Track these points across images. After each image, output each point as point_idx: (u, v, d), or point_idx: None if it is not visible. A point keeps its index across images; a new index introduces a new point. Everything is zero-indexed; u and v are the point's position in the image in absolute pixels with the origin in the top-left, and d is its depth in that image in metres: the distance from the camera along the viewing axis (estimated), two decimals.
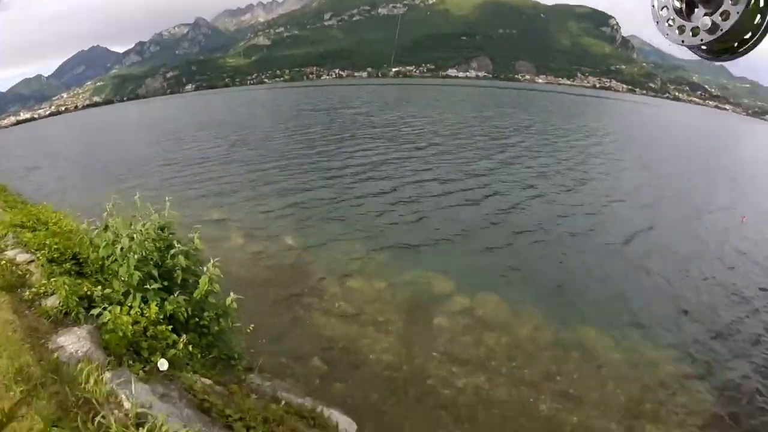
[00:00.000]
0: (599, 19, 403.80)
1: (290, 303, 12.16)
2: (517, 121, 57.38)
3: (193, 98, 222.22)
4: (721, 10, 1.12)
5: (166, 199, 6.52)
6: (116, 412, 3.23)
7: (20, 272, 6.37)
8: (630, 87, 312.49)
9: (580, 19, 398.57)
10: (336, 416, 7.39)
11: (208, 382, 4.89)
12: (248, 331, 6.78)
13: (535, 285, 14.44)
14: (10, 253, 7.36)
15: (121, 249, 5.64)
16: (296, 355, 10.17)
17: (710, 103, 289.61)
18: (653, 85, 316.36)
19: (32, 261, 6.83)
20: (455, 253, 15.87)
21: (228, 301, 6.03)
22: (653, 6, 1.31)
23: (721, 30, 1.12)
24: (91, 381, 3.46)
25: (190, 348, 5.26)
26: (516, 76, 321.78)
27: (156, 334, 4.99)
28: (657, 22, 1.30)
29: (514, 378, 10.44)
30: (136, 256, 5.53)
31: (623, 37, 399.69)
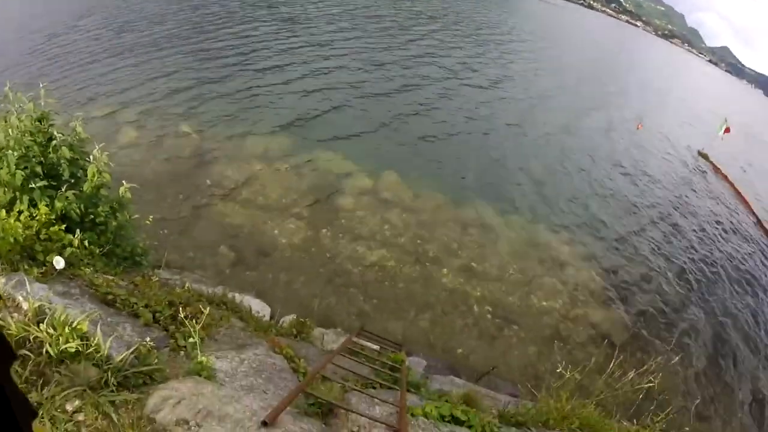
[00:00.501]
0: None
1: (192, 193, 11.58)
2: (430, 8, 54.30)
3: None
4: None
5: (41, 85, 5.68)
6: (15, 315, 3.08)
7: None
8: None
9: None
10: (248, 300, 7.53)
11: (111, 278, 4.72)
12: (147, 222, 6.37)
13: (437, 167, 14.98)
14: None
15: None
16: (203, 246, 9.95)
17: (622, 17, 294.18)
18: None
19: None
20: (359, 138, 15.78)
21: (121, 191, 5.58)
22: None
23: None
24: None
25: (88, 246, 4.95)
26: None
27: (50, 236, 4.60)
28: None
29: (419, 254, 11.10)
30: (15, 154, 4.88)
31: None
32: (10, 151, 4.86)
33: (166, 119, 15.64)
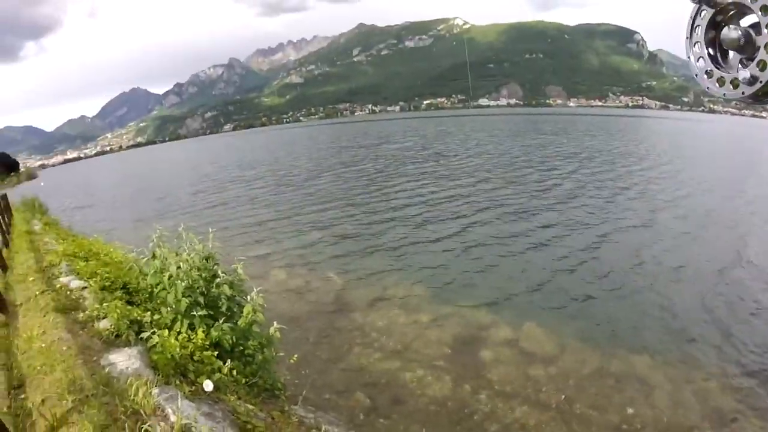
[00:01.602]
0: (624, 36, 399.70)
1: (333, 337, 12.08)
2: (561, 149, 54.73)
3: (232, 138, 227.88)
4: (757, 60, 1.10)
5: (210, 231, 6.69)
6: (162, 424, 3.32)
7: (74, 297, 6.70)
8: (663, 103, 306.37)
9: (605, 37, 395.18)
10: None
11: (250, 407, 4.92)
12: (292, 361, 6.78)
13: (582, 317, 13.97)
14: (64, 280, 7.70)
15: (169, 277, 5.80)
16: (339, 389, 10.04)
17: (746, 112, 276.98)
18: (686, 99, 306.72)
19: (85, 288, 7.10)
20: (500, 288, 15.52)
21: (271, 330, 6.08)
22: (689, 58, 1.30)
23: (761, 81, 1.10)
24: (140, 394, 3.57)
25: (235, 374, 5.32)
26: (547, 101, 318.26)
27: (202, 359, 5.08)
28: (696, 75, 1.29)
29: (564, 412, 10.03)
30: (183, 284, 5.67)
31: (650, 52, 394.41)
32: (179, 281, 5.64)
33: (314, 265, 17.16)
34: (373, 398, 9.85)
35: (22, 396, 3.99)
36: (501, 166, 39.38)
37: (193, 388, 4.36)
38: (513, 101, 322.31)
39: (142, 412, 3.40)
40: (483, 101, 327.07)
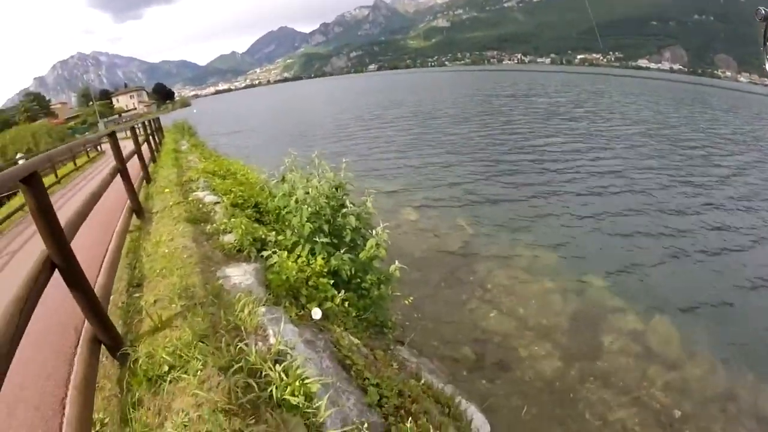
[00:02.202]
0: None
1: (452, 285, 11.74)
2: (739, 129, 45.04)
3: (376, 77, 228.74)
4: None
5: (343, 161, 6.62)
6: (260, 344, 3.28)
7: (206, 210, 6.97)
8: None
9: None
10: (472, 412, 6.98)
11: (355, 341, 4.86)
12: (406, 302, 6.66)
13: (724, 328, 12.23)
14: (200, 194, 8.12)
15: (296, 201, 5.85)
16: (448, 340, 9.77)
17: None
18: None
19: (218, 203, 7.40)
20: (639, 271, 14.09)
21: (392, 268, 5.96)
22: (764, 64, 1.33)
23: None
24: (245, 311, 3.56)
25: (347, 305, 5.29)
26: (715, 71, 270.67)
27: (317, 285, 5.07)
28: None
29: (673, 428, 9.00)
30: (309, 209, 5.69)
31: None
32: (305, 206, 5.65)
33: (445, 209, 16.66)
34: (480, 357, 9.54)
35: (137, 295, 4.20)
36: (665, 142, 34.58)
37: (302, 313, 4.32)
38: (676, 66, 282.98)
39: (243, 328, 3.38)
40: (642, 62, 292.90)
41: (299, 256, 5.40)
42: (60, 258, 2.64)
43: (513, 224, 15.80)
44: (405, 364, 6.03)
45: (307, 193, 5.92)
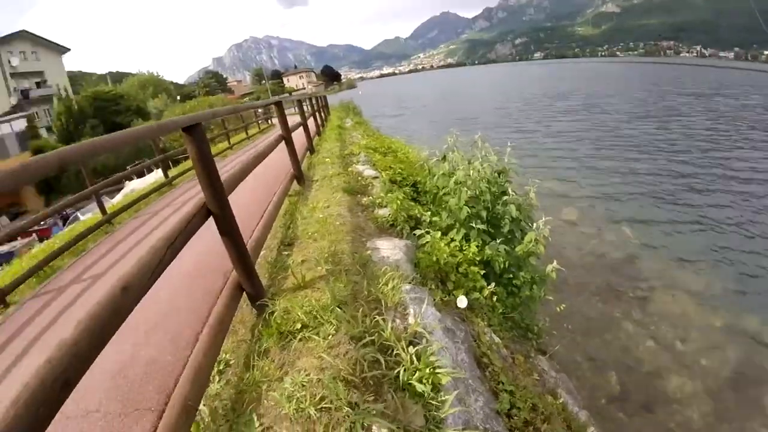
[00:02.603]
0: None
1: (608, 300, 10.62)
2: None
3: (543, 66, 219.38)
4: None
5: (508, 144, 6.11)
6: (398, 320, 3.09)
7: (364, 183, 6.96)
8: None
9: None
10: None
11: (497, 339, 4.45)
12: (558, 309, 5.99)
13: None
14: (359, 167, 8.16)
15: (456, 182, 5.49)
16: (593, 358, 8.88)
17: None
18: None
19: (376, 178, 7.35)
20: None
21: (548, 268, 5.35)
22: None
23: None
24: (389, 285, 3.39)
25: (494, 300, 4.86)
26: None
27: (467, 273, 4.71)
28: None
29: None
30: (468, 192, 5.30)
31: None
32: (465, 189, 5.25)
33: (610, 213, 15.19)
34: (624, 387, 8.46)
35: (287, 253, 4.25)
36: None
37: (447, 298, 4.04)
38: None
39: (383, 302, 3.22)
40: None
41: (453, 240, 5.07)
42: (215, 205, 2.79)
43: (686, 244, 13.72)
44: (543, 377, 5.47)
45: (468, 175, 5.53)
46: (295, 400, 2.16)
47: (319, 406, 2.12)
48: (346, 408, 2.11)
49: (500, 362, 3.94)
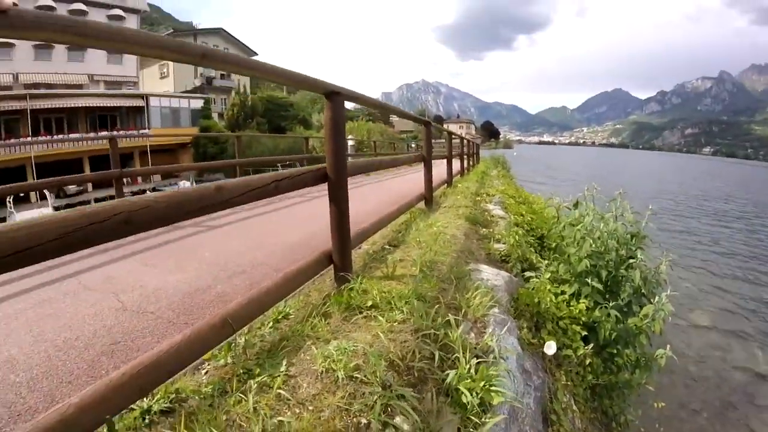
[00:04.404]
0: None
1: (715, 414, 8.97)
2: None
3: (709, 163, 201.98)
4: None
5: (649, 207, 5.56)
6: (472, 334, 2.92)
7: (489, 218, 7.05)
8: None
9: None
10: None
11: (575, 407, 4.00)
12: (656, 405, 5.23)
13: None
14: (489, 206, 8.31)
15: (580, 229, 5.10)
16: None
17: None
18: None
19: (503, 218, 7.41)
20: None
21: (659, 353, 4.69)
22: None
23: None
24: (477, 300, 3.25)
25: (586, 365, 4.33)
26: None
27: (566, 330, 4.28)
28: None
29: None
30: (592, 246, 4.86)
31: None
32: (589, 240, 4.83)
33: (747, 326, 13.30)
34: None
35: (388, 251, 4.33)
36: None
37: (534, 341, 3.72)
38: None
39: (464, 311, 3.09)
40: None
41: (563, 293, 4.67)
42: (333, 171, 3.05)
43: None
44: None
45: (596, 227, 5.10)
46: (329, 361, 2.06)
47: (351, 374, 2.00)
48: (378, 387, 1.97)
49: (569, 429, 3.51)
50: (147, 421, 1.72)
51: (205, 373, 2.15)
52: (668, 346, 4.68)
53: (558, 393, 3.61)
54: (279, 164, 18.41)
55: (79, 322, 2.90)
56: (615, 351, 4.74)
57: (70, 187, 26.28)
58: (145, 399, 1.78)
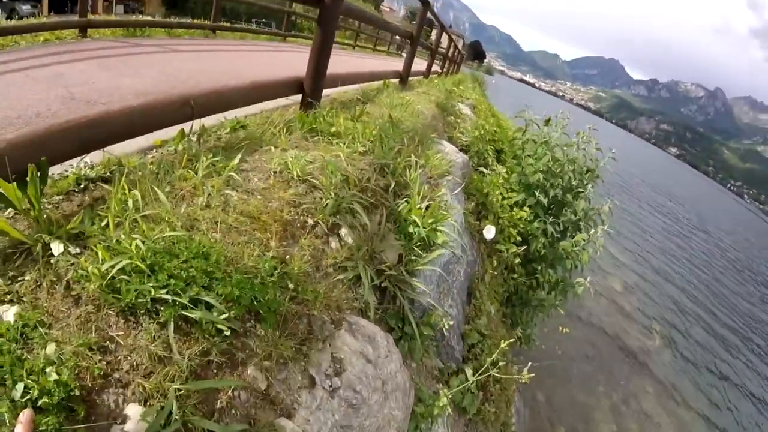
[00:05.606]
0: None
1: (601, 375, 9.64)
2: None
3: (670, 162, 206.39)
4: None
5: (612, 150, 5.72)
6: (429, 191, 3.05)
7: (458, 113, 7.05)
8: None
9: None
10: None
11: (493, 298, 4.29)
12: (561, 331, 5.51)
13: None
14: (461, 106, 8.27)
15: (542, 143, 5.25)
16: (554, 408, 8.06)
17: None
18: None
19: (471, 119, 7.53)
20: None
21: (579, 281, 4.94)
22: None
23: None
24: (438, 156, 3.55)
25: (510, 267, 4.72)
26: None
27: (503, 228, 4.55)
28: None
29: None
30: (549, 163, 5.01)
31: None
32: (549, 156, 4.95)
33: (652, 309, 14.01)
34: None
35: (358, 103, 4.24)
36: None
37: (476, 222, 3.95)
38: None
39: (424, 161, 3.27)
40: None
41: (505, 198, 4.76)
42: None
43: (711, 397, 11.30)
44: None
45: (558, 146, 5.19)
46: (285, 163, 2.02)
47: (305, 178, 1.97)
48: (331, 195, 1.96)
49: (487, 310, 3.72)
50: (82, 186, 1.59)
51: (152, 157, 2.03)
52: (588, 277, 4.90)
53: (485, 277, 3.75)
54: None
55: (23, 106, 2.66)
56: (539, 268, 4.95)
57: (23, 7, 23.41)
58: (83, 166, 1.65)
